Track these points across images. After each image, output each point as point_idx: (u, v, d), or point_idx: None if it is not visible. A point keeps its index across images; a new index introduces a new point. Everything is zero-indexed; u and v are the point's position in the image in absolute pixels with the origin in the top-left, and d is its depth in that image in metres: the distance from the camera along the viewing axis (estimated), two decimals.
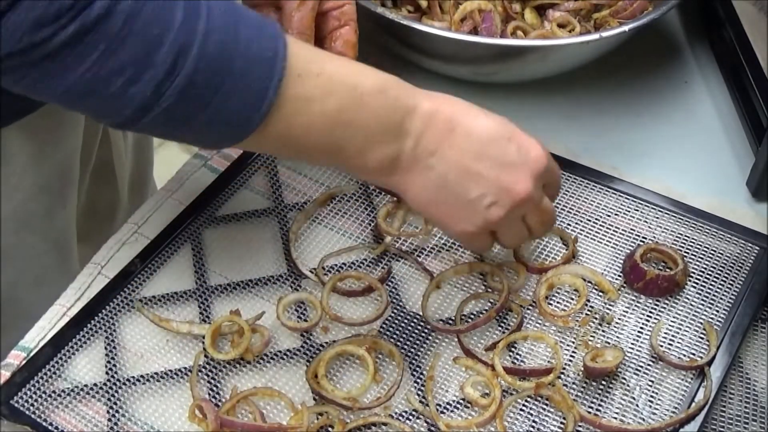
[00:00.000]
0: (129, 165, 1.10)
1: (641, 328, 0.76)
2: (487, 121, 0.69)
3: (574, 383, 0.73)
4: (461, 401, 0.72)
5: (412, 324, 0.76)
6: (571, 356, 0.74)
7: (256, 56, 0.61)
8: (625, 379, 0.73)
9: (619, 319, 0.77)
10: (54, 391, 0.72)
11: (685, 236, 0.82)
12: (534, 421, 0.71)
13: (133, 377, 0.73)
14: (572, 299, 0.78)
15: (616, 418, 0.71)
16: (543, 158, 0.69)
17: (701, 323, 0.76)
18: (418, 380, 0.73)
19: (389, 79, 0.67)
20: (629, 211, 0.84)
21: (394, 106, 0.66)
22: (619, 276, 0.80)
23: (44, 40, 0.55)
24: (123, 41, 0.56)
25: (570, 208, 0.85)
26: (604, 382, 0.73)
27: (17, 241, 0.88)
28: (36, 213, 0.89)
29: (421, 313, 0.77)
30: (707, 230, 0.83)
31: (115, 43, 0.56)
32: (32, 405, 0.71)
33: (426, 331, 0.76)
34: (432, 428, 0.70)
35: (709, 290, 0.79)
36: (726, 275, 0.79)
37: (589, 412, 0.71)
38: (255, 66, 0.61)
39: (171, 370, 0.73)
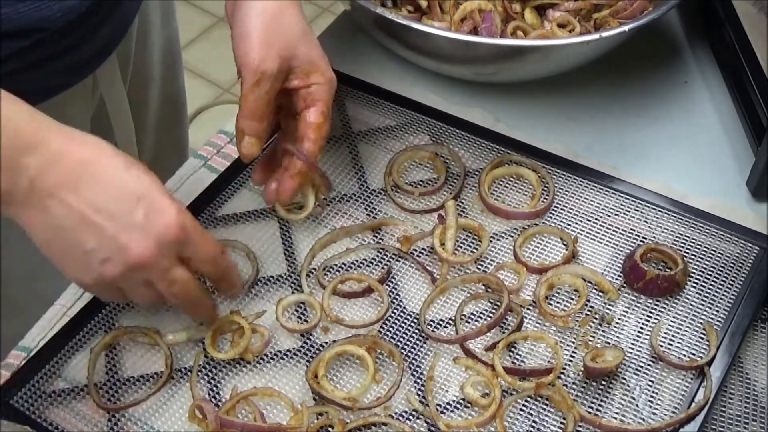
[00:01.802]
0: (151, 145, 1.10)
1: (641, 328, 0.76)
2: (121, 175, 0.66)
3: (574, 383, 0.73)
4: (461, 401, 0.72)
5: (413, 324, 0.76)
6: (571, 356, 0.74)
7: None
8: (625, 379, 0.73)
9: (619, 319, 0.77)
10: (54, 391, 0.72)
11: (685, 236, 0.82)
12: (534, 421, 0.71)
13: (133, 377, 0.73)
14: (572, 299, 0.78)
15: (616, 418, 0.71)
16: (173, 228, 0.66)
17: (701, 323, 0.76)
18: (418, 380, 0.73)
19: (17, 113, 0.64)
20: (629, 211, 0.84)
21: (11, 139, 0.62)
22: (619, 276, 0.80)
23: None
24: None
25: (570, 208, 0.85)
26: (604, 382, 0.73)
27: None
28: None
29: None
30: (707, 230, 0.83)
31: None
32: (32, 405, 0.71)
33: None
34: (432, 428, 0.70)
35: (709, 290, 0.79)
36: (726, 275, 0.79)
37: (589, 412, 0.71)
38: None
39: (171, 370, 0.73)
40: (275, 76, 0.76)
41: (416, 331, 0.76)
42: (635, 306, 0.78)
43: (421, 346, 0.75)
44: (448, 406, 0.72)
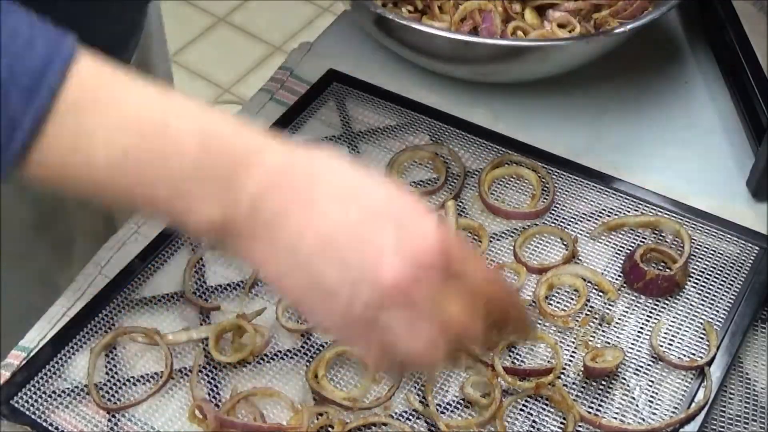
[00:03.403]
0: None
1: (641, 328, 0.76)
2: (359, 186, 0.53)
3: (574, 383, 0.73)
4: (461, 401, 0.72)
5: None
6: (571, 356, 0.74)
7: (16, 69, 0.48)
8: (625, 379, 0.73)
9: (619, 319, 0.77)
10: (54, 391, 0.72)
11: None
12: (534, 422, 0.71)
13: (133, 377, 0.73)
14: (572, 299, 0.78)
15: (616, 418, 0.71)
16: (433, 243, 0.52)
17: (701, 323, 0.76)
18: (418, 380, 0.73)
19: (222, 123, 0.53)
20: (629, 211, 0.84)
21: (219, 153, 0.52)
22: (619, 276, 0.80)
23: None
24: None
25: (570, 208, 0.85)
26: (604, 382, 0.73)
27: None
28: None
29: None
30: (707, 230, 0.83)
31: None
32: (32, 405, 0.71)
33: None
34: (432, 428, 0.70)
35: (709, 290, 0.78)
36: (726, 275, 0.79)
37: (589, 412, 0.71)
38: (11, 84, 0.48)
39: (171, 370, 0.73)
40: None
41: None
42: (635, 306, 0.78)
43: None
44: (448, 406, 0.72)
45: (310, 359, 0.74)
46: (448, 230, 0.55)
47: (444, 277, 0.53)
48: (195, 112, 0.53)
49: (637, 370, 0.73)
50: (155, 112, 0.52)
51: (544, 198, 0.85)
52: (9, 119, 0.48)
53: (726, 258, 0.81)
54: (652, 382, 0.73)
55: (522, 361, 0.74)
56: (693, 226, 0.83)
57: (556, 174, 0.87)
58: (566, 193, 0.86)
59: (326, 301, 0.53)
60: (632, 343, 0.75)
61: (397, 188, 0.54)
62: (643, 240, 0.82)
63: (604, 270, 0.80)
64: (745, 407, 0.72)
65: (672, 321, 0.77)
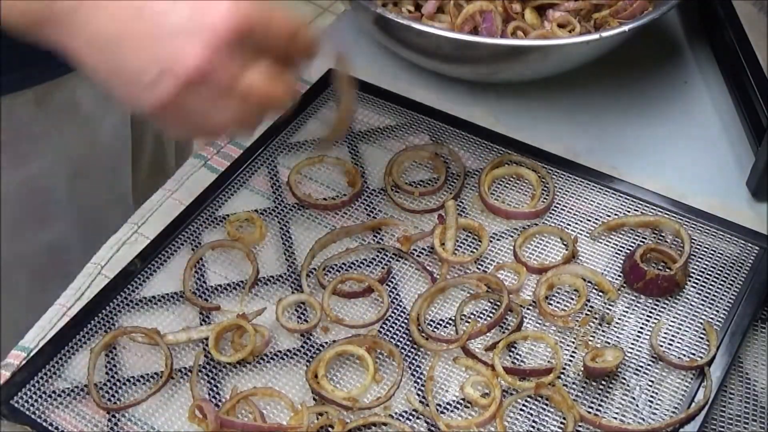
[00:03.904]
0: None
1: (641, 328, 0.76)
2: None
3: (574, 383, 0.73)
4: (461, 401, 0.72)
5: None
6: (571, 356, 0.74)
7: None
8: (625, 379, 0.73)
9: (619, 319, 0.77)
10: (54, 391, 0.72)
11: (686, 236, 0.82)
12: (534, 421, 0.71)
13: (133, 377, 0.73)
14: (572, 299, 0.78)
15: (616, 418, 0.71)
16: (227, 19, 0.54)
17: (701, 323, 0.76)
18: (418, 380, 0.73)
19: None
20: (629, 211, 0.84)
21: None
22: (619, 276, 0.80)
23: None
24: None
25: (570, 208, 0.85)
26: (604, 382, 0.73)
27: (67, 192, 0.87)
28: (90, 165, 0.88)
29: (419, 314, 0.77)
30: (707, 230, 0.83)
31: None
32: (32, 405, 0.71)
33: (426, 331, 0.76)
34: (432, 428, 0.70)
35: (709, 290, 0.79)
36: (726, 275, 0.79)
37: (589, 412, 0.71)
38: None
39: (171, 370, 0.73)
40: None
41: (416, 331, 0.76)
42: (635, 306, 0.78)
43: (422, 346, 0.75)
44: (448, 406, 0.72)
45: (310, 359, 0.74)
46: (242, 5, 0.55)
47: (242, 53, 0.55)
48: None
49: (637, 370, 0.73)
50: None
51: (544, 198, 0.85)
52: None
53: (726, 258, 0.81)
54: (652, 382, 0.73)
55: (522, 361, 0.74)
56: (693, 226, 0.83)
57: (556, 174, 0.87)
58: (566, 193, 0.86)
59: (131, 87, 0.56)
60: (632, 343, 0.75)
61: None
62: (643, 240, 0.82)
63: (604, 270, 0.80)
64: (745, 407, 0.72)
65: (672, 321, 0.77)
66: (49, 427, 0.70)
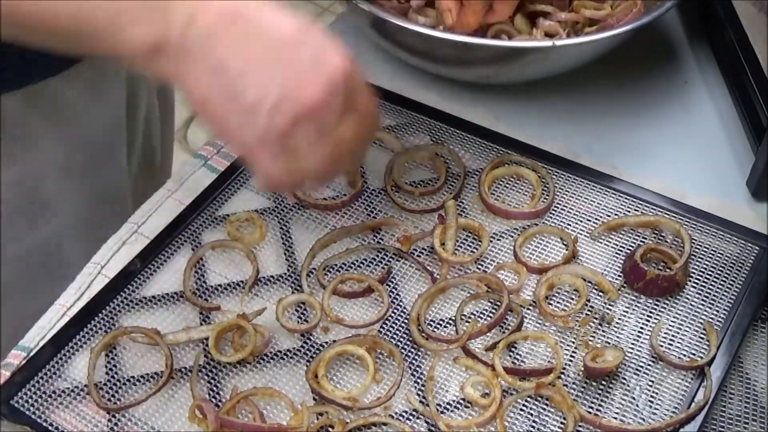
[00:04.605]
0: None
1: (641, 328, 0.76)
2: (278, 19, 0.60)
3: (574, 383, 0.73)
4: (461, 401, 0.72)
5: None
6: (571, 356, 0.74)
7: None
8: (625, 379, 0.73)
9: (619, 319, 0.77)
10: (54, 391, 0.72)
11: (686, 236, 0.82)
12: (534, 421, 0.71)
13: (133, 377, 0.73)
14: (572, 299, 0.78)
15: (616, 418, 0.71)
16: (342, 69, 0.60)
17: (701, 323, 0.76)
18: (418, 380, 0.73)
19: None
20: (629, 211, 0.84)
21: None
22: (619, 276, 0.80)
23: None
24: None
25: (570, 208, 0.85)
26: (604, 382, 0.73)
27: (60, 190, 0.87)
28: (83, 163, 0.88)
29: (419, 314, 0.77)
30: (707, 230, 0.83)
31: None
32: (32, 405, 0.71)
33: (426, 331, 0.76)
34: (432, 428, 0.70)
35: (709, 290, 0.79)
36: (726, 275, 0.79)
37: (589, 412, 0.71)
38: None
39: (171, 370, 0.73)
40: None
41: (416, 331, 0.76)
42: (635, 306, 0.78)
43: (421, 346, 0.75)
44: (448, 406, 0.72)
45: (310, 359, 0.74)
46: (351, 60, 0.61)
47: (345, 102, 0.60)
48: None
49: (637, 370, 0.73)
50: None
51: (544, 198, 0.85)
52: None
53: (726, 258, 0.81)
54: (652, 382, 0.73)
55: (522, 361, 0.74)
56: (693, 226, 0.83)
57: (556, 174, 0.87)
58: (566, 193, 0.86)
59: (246, 118, 0.59)
60: (632, 343, 0.75)
61: (308, 22, 0.60)
62: (643, 240, 0.82)
63: (604, 270, 0.80)
64: (745, 407, 0.72)
65: (672, 321, 0.77)
66: (49, 427, 0.70)
